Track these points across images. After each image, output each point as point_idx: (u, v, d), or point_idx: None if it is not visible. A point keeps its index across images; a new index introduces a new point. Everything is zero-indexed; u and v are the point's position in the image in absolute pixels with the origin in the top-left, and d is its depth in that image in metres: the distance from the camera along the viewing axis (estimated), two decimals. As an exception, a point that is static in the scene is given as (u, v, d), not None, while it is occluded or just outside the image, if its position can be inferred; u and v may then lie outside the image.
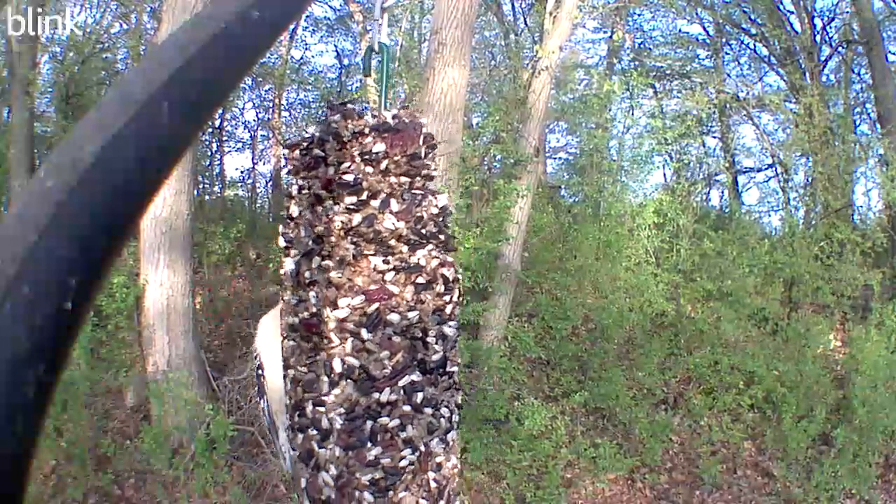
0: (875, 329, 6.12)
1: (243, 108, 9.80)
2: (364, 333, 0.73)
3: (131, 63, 7.42)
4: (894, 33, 9.34)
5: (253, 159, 9.83)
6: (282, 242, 0.79)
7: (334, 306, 0.73)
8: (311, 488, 0.74)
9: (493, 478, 4.87)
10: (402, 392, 0.75)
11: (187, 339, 4.92)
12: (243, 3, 0.33)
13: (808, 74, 8.47)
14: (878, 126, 8.09)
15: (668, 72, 10.14)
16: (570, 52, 9.91)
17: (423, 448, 0.75)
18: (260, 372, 0.90)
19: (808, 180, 8.32)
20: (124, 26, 8.50)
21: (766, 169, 10.04)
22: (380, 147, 0.75)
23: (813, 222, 7.51)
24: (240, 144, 10.14)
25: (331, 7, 9.85)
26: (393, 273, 0.75)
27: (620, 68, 9.86)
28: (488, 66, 9.95)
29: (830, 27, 9.13)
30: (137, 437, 4.59)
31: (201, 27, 0.31)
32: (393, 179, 0.76)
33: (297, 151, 0.77)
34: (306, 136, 0.77)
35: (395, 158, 0.76)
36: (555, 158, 11.67)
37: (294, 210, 0.78)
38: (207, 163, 9.30)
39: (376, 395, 0.74)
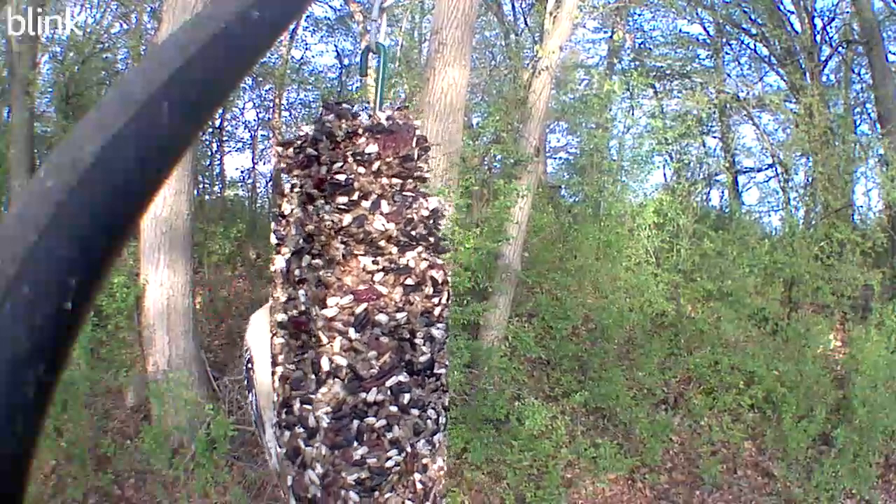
0: (875, 329, 6.12)
1: (243, 108, 9.82)
2: (352, 333, 0.74)
3: (131, 63, 7.42)
4: (894, 33, 9.35)
5: (253, 159, 9.82)
6: (273, 240, 0.79)
7: (323, 305, 0.73)
8: (298, 486, 0.74)
9: (493, 478, 4.87)
10: (389, 392, 0.75)
11: (187, 339, 4.92)
12: (243, 3, 0.33)
13: (808, 74, 8.47)
14: (878, 126, 8.09)
15: (668, 72, 10.14)
16: (571, 52, 9.92)
17: (409, 449, 0.75)
18: (249, 366, 0.90)
19: (808, 180, 8.32)
20: (124, 26, 8.51)
21: (766, 169, 10.06)
22: (372, 148, 0.75)
23: (813, 222, 7.51)
24: (240, 144, 10.15)
25: (331, 7, 9.87)
26: (382, 274, 0.75)
27: (620, 68, 9.87)
28: (488, 66, 9.96)
29: (830, 27, 9.15)
30: (137, 437, 4.59)
31: (201, 27, 0.31)
32: (385, 181, 0.76)
33: (291, 150, 0.77)
34: (300, 134, 0.77)
35: (388, 160, 0.76)
36: (555, 158, 11.69)
37: (286, 208, 0.78)
38: (207, 163, 9.30)
39: (363, 394, 0.74)
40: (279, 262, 0.78)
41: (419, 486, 0.76)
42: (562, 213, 7.46)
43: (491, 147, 7.20)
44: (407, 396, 0.76)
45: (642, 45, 10.50)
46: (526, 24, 9.76)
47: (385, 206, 0.75)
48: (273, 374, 0.78)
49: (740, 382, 5.91)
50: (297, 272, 0.75)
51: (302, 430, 0.74)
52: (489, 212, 5.87)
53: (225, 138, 9.51)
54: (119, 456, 4.49)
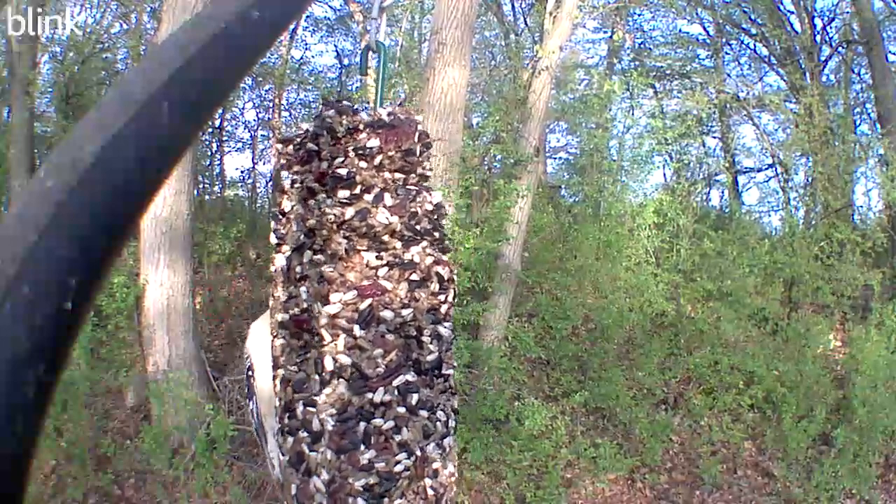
0: (875, 329, 6.12)
1: (243, 108, 9.81)
2: (356, 330, 0.71)
3: (131, 63, 7.42)
4: (894, 33, 9.36)
5: (253, 159, 9.82)
6: (273, 239, 0.77)
7: (326, 302, 0.71)
8: (302, 495, 0.71)
9: (493, 478, 4.87)
10: (396, 392, 0.71)
11: (187, 339, 4.92)
12: (243, 3, 0.33)
13: (808, 74, 8.47)
14: (878, 126, 8.09)
15: (668, 72, 10.15)
16: (571, 52, 9.93)
17: (418, 452, 0.72)
18: (250, 374, 0.88)
19: (808, 180, 8.32)
20: (124, 26, 8.51)
21: (766, 169, 10.06)
22: (374, 142, 0.73)
23: (813, 222, 7.51)
24: (240, 144, 10.15)
25: (331, 7, 9.87)
26: (386, 269, 0.73)
27: (620, 68, 9.87)
28: (488, 66, 9.96)
29: (830, 27, 9.15)
30: (137, 437, 4.59)
31: (201, 27, 0.31)
32: (387, 175, 0.74)
33: (291, 146, 0.76)
34: (300, 131, 0.76)
35: (390, 154, 0.74)
36: (555, 158, 11.71)
37: (286, 205, 0.76)
38: (207, 163, 9.30)
39: (369, 395, 0.71)
40: (279, 261, 0.76)
41: (430, 491, 0.73)
42: (562, 213, 7.46)
43: (491, 147, 7.20)
44: (415, 397, 0.72)
45: (642, 45, 10.51)
46: (526, 24, 9.77)
47: (388, 199, 0.73)
48: (274, 377, 0.75)
49: (740, 382, 5.91)
50: (298, 269, 0.73)
51: (306, 434, 0.71)
52: (489, 212, 5.87)
53: (225, 138, 9.52)
54: (119, 456, 4.49)
